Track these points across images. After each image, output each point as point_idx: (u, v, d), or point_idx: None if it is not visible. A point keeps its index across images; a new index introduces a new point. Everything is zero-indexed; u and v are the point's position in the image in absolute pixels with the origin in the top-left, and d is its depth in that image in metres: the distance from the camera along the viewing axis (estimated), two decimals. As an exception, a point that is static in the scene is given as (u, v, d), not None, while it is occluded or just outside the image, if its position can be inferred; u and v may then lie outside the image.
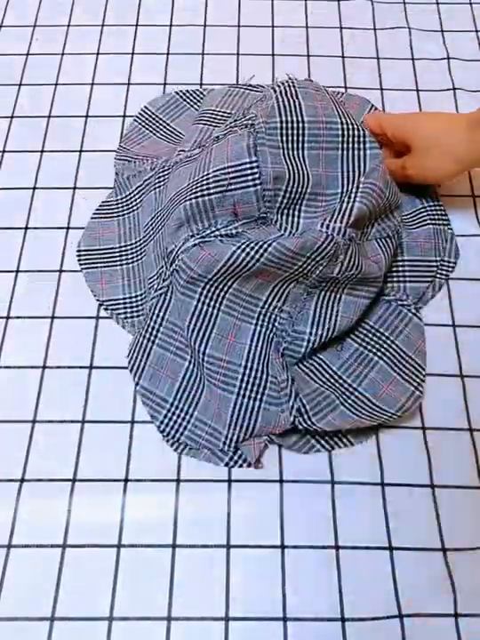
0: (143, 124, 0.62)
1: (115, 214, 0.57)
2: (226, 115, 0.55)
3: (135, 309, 0.51)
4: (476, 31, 0.71)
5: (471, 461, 0.46)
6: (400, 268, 0.52)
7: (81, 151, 0.61)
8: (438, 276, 0.53)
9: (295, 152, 0.46)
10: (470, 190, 0.59)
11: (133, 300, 0.52)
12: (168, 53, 0.68)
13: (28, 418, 0.48)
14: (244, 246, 0.42)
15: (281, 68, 0.67)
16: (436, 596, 0.42)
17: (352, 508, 0.45)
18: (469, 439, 0.47)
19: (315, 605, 0.41)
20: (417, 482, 0.46)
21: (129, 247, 0.54)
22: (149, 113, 0.62)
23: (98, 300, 0.53)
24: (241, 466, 0.45)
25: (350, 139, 0.46)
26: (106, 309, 0.52)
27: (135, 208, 0.56)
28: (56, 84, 0.65)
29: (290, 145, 0.46)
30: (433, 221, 0.55)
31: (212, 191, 0.45)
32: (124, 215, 0.56)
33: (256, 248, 0.42)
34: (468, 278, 0.54)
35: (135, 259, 0.54)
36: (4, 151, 0.61)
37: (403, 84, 0.66)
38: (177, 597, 0.42)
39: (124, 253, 0.54)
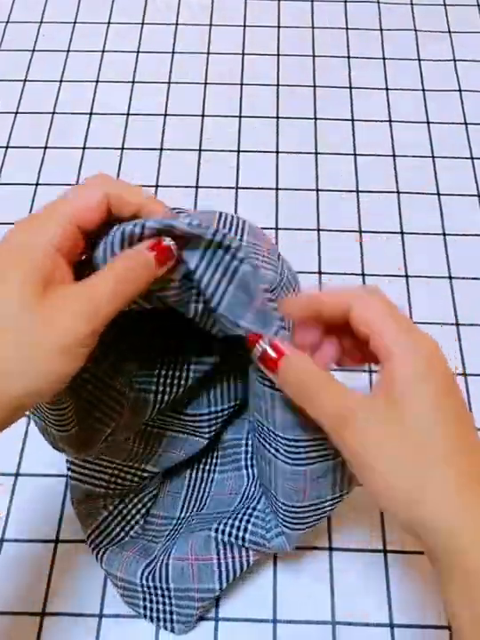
0: None
1: None
2: None
3: None
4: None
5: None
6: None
7: (84, 148, 0.61)
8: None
9: None
10: (476, 190, 0.59)
11: None
12: (173, 52, 0.68)
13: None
14: None
15: (286, 68, 0.67)
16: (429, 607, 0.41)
17: (348, 510, 0.44)
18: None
19: (305, 609, 0.41)
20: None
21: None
22: None
23: None
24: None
25: None
26: None
27: None
28: (61, 81, 0.66)
29: None
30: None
31: None
32: None
33: None
34: (469, 277, 0.54)
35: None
36: (7, 147, 0.62)
37: (409, 84, 0.66)
38: (168, 596, 0.41)
39: None
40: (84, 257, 0.27)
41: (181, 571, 0.37)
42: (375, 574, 0.42)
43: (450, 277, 0.54)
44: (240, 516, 0.36)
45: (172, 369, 0.36)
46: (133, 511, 0.41)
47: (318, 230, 0.57)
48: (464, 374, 0.49)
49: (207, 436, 0.39)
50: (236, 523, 0.36)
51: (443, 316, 0.52)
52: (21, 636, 0.40)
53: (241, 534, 0.35)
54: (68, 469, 0.40)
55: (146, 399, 0.36)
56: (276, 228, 0.57)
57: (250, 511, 0.36)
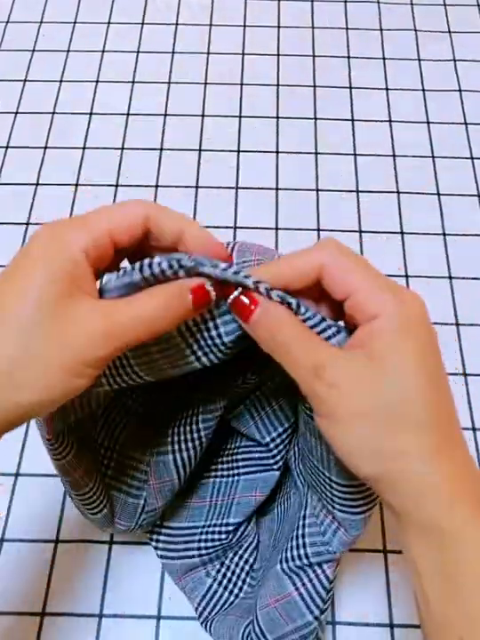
0: None
1: None
2: None
3: None
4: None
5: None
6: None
7: (84, 148, 0.61)
8: None
9: None
10: (476, 190, 0.59)
11: None
12: (173, 52, 0.68)
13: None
14: None
15: (286, 68, 0.67)
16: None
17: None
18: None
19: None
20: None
21: None
22: None
23: None
24: None
25: None
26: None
27: None
28: (61, 81, 0.66)
29: None
30: None
31: None
32: None
33: None
34: (469, 277, 0.54)
35: None
36: (7, 147, 0.62)
37: (409, 84, 0.66)
38: (167, 596, 0.41)
39: None
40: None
41: (270, 618, 0.34)
42: (375, 574, 0.42)
43: (450, 277, 0.54)
44: (295, 532, 0.34)
45: (182, 425, 0.35)
46: (237, 570, 0.39)
47: (318, 230, 0.57)
48: (464, 374, 0.49)
49: (276, 466, 0.37)
50: (294, 542, 0.34)
51: (443, 316, 0.52)
52: (21, 636, 0.40)
53: (303, 552, 0.33)
54: (155, 549, 0.39)
55: (165, 462, 0.35)
56: (276, 228, 0.57)
57: (301, 521, 0.34)
